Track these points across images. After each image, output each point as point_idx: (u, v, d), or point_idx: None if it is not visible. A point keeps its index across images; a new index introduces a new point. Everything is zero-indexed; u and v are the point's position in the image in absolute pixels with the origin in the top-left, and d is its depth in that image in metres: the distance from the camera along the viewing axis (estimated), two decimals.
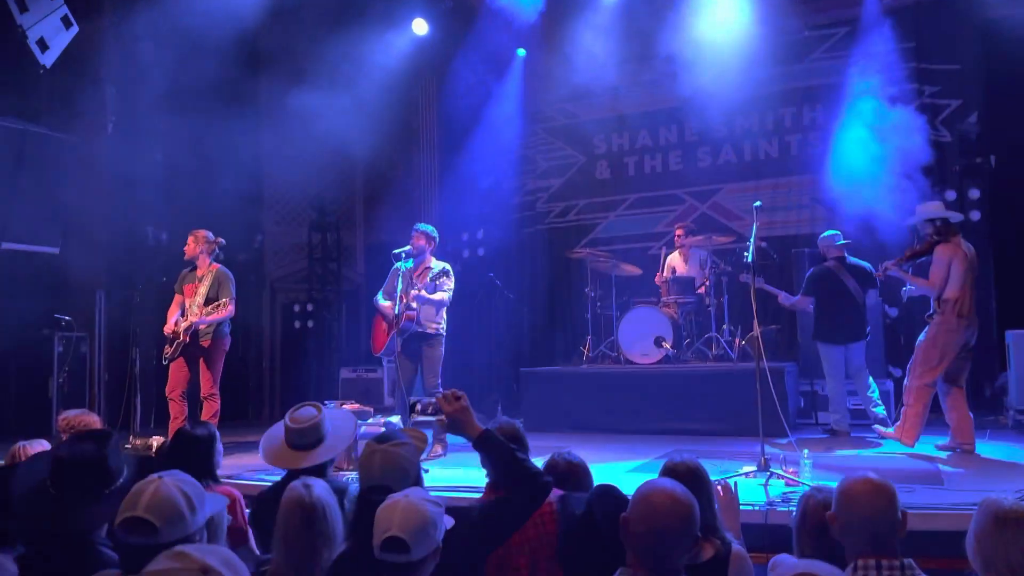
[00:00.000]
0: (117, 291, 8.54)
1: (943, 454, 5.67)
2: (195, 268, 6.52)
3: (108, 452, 2.43)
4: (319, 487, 2.49)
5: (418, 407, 2.93)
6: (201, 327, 6.28)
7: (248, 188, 9.56)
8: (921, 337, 5.82)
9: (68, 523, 2.30)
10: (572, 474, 3.09)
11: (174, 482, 1.98)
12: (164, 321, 6.50)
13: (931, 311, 5.78)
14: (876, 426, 6.11)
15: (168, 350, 6.33)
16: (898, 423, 5.88)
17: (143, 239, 8.96)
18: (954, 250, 5.74)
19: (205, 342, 6.32)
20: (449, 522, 2.24)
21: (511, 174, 10.44)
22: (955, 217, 6.05)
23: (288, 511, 2.42)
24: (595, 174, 10.05)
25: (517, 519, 2.55)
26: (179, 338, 6.25)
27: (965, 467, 5.16)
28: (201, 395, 6.36)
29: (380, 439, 2.55)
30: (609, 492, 2.62)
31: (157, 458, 3.60)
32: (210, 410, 6.30)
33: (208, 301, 6.27)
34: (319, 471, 3.19)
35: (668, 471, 2.76)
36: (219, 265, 6.53)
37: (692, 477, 2.60)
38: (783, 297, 6.95)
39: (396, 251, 6.29)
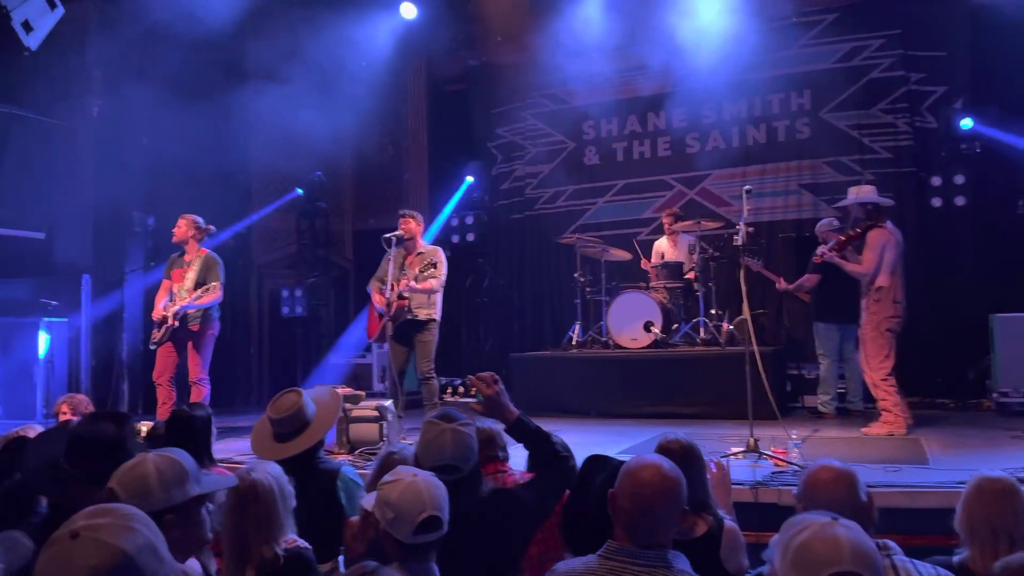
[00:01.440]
0: (103, 275, 8.48)
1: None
2: (184, 253, 6.49)
3: (126, 433, 2.43)
4: (261, 470, 2.50)
5: (450, 389, 2.94)
6: (190, 312, 6.25)
7: (235, 173, 9.52)
8: (861, 329, 5.83)
9: (80, 501, 2.29)
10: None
11: (155, 458, 1.97)
12: (151, 306, 6.47)
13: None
14: (863, 429, 6.09)
15: (156, 335, 6.31)
16: (878, 420, 5.85)
17: (129, 224, 8.89)
18: (887, 235, 5.79)
19: (194, 326, 6.30)
20: None
21: (500, 160, 10.43)
22: (886, 202, 6.11)
23: (229, 496, 2.43)
24: (584, 160, 10.06)
25: (552, 502, 2.59)
26: (167, 322, 6.22)
27: (949, 447, 5.25)
28: (190, 380, 6.35)
29: (445, 418, 2.50)
30: (601, 460, 2.64)
31: (151, 441, 3.59)
32: (199, 395, 6.28)
33: (197, 286, 6.25)
34: (309, 455, 3.19)
35: (662, 449, 2.78)
36: (208, 250, 6.51)
37: (685, 454, 2.63)
38: (783, 282, 6.97)
39: (386, 236, 6.28)
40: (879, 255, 5.72)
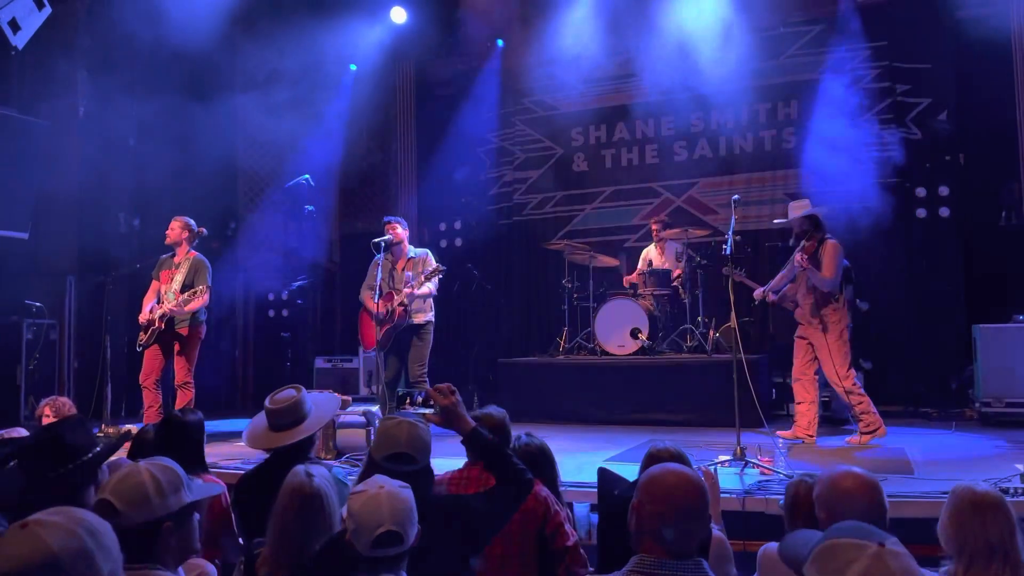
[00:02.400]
0: (88, 277, 8.40)
1: (784, 442, 5.80)
2: (174, 254, 6.45)
3: (63, 431, 2.40)
4: (320, 476, 2.47)
5: (408, 400, 2.92)
6: (178, 315, 6.21)
7: (222, 175, 9.47)
8: (823, 339, 5.83)
9: (35, 501, 2.26)
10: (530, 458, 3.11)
11: (148, 466, 1.96)
12: (137, 308, 6.42)
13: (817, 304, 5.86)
14: (849, 439, 6.13)
15: (143, 337, 6.26)
16: (860, 428, 5.86)
17: (115, 225, 8.83)
18: (839, 246, 5.89)
19: (182, 329, 6.27)
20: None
21: (489, 165, 10.44)
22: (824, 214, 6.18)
23: (288, 497, 2.38)
24: (573, 166, 10.08)
25: (505, 514, 2.59)
26: (154, 325, 6.18)
27: (934, 457, 5.29)
28: (175, 383, 6.32)
29: (398, 414, 2.55)
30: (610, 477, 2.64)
31: (140, 447, 3.55)
32: (184, 399, 6.26)
33: (184, 288, 6.22)
34: (301, 457, 3.18)
35: (652, 457, 2.79)
36: (196, 252, 6.47)
37: (675, 462, 2.63)
38: (761, 292, 6.96)
39: (375, 240, 6.30)
40: (838, 264, 5.79)
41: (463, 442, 2.64)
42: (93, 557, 1.38)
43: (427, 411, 2.69)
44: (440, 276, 6.24)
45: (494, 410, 3.11)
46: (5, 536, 1.36)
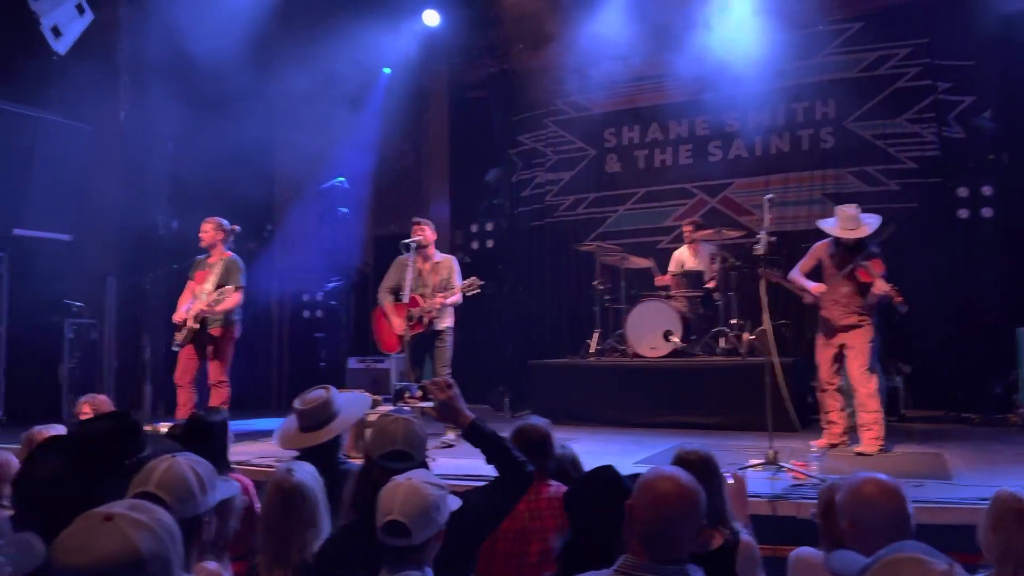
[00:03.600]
0: (128, 278, 8.57)
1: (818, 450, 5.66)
2: (209, 255, 6.53)
3: (130, 424, 2.44)
4: (302, 471, 2.51)
5: (407, 394, 2.93)
6: (210, 315, 6.28)
7: (258, 177, 9.59)
8: (857, 339, 5.67)
9: (90, 497, 2.29)
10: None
11: (187, 461, 1.98)
12: (174, 308, 6.53)
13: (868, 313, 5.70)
14: (856, 449, 5.96)
15: (178, 336, 6.35)
16: (866, 430, 5.61)
17: (154, 227, 8.99)
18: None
19: (215, 330, 6.33)
20: (455, 503, 2.24)
21: (521, 167, 10.43)
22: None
23: (269, 494, 2.44)
24: (605, 167, 10.03)
25: (504, 507, 2.59)
26: (188, 324, 6.26)
27: (974, 463, 5.15)
28: (209, 382, 6.39)
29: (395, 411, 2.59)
30: (606, 478, 2.61)
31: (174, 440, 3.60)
32: (219, 398, 6.33)
33: (217, 288, 6.27)
34: (330, 456, 3.20)
35: (680, 460, 2.75)
36: (231, 253, 6.55)
37: (703, 466, 2.60)
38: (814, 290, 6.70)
39: (405, 241, 6.33)
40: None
41: (462, 435, 2.63)
42: (171, 562, 1.39)
43: (425, 405, 2.69)
44: (476, 291, 6.27)
45: (537, 421, 3.08)
46: (90, 526, 1.35)
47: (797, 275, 6.06)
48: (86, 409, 4.75)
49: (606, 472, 2.49)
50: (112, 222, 8.60)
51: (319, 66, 8.97)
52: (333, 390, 3.32)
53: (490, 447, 2.60)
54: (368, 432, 5.35)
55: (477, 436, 2.60)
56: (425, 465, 2.54)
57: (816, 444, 5.84)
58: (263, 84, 9.94)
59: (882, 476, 2.21)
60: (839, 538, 2.38)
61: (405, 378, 6.70)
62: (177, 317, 6.38)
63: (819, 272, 5.99)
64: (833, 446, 5.75)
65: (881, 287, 5.56)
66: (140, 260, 8.53)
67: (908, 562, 1.37)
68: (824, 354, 5.91)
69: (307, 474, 2.55)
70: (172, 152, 9.14)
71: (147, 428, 6.34)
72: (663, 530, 1.90)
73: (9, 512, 2.36)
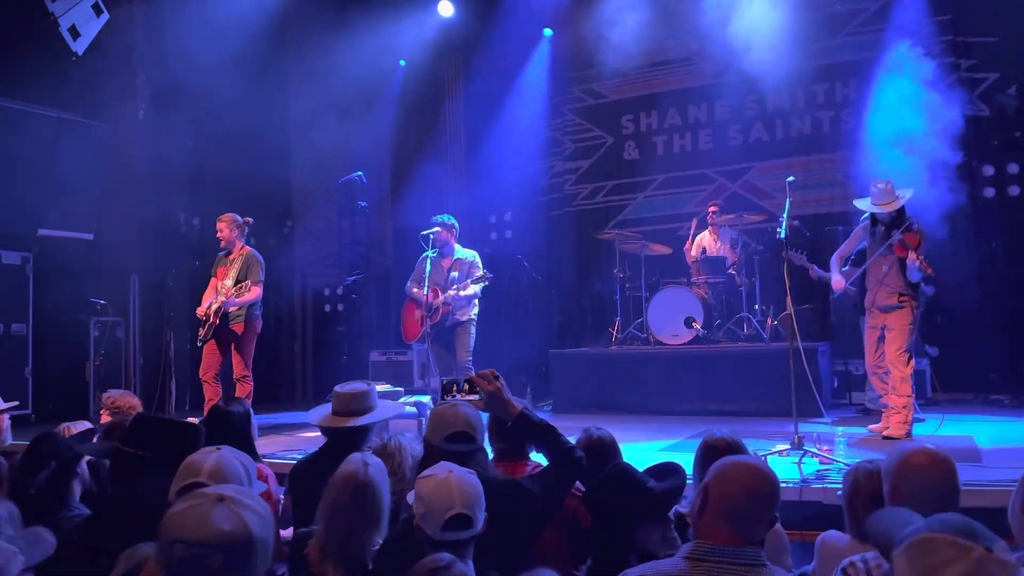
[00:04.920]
0: (150, 276, 8.66)
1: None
2: (230, 252, 6.58)
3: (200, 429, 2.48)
4: (376, 467, 2.46)
5: (455, 388, 2.91)
6: (231, 309, 6.33)
7: (277, 173, 9.64)
8: (896, 320, 5.56)
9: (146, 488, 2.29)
10: (596, 450, 3.10)
11: (231, 453, 2.02)
12: (197, 305, 6.59)
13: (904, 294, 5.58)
14: (871, 427, 5.85)
15: (201, 332, 6.41)
16: (895, 413, 5.53)
17: (175, 224, 9.08)
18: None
19: (236, 326, 6.37)
20: None
21: (538, 156, 10.38)
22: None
23: (340, 484, 2.38)
24: (623, 155, 9.96)
25: (560, 493, 2.58)
26: (210, 319, 6.31)
27: (1004, 445, 5.07)
28: (234, 377, 6.44)
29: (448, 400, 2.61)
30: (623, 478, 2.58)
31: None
32: (243, 392, 6.35)
33: (237, 283, 6.32)
34: (356, 448, 3.20)
35: (708, 446, 2.73)
36: (250, 248, 6.61)
37: (731, 451, 2.56)
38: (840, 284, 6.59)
39: (424, 232, 6.39)
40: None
41: (511, 426, 2.62)
42: (269, 546, 1.45)
43: (472, 398, 2.68)
44: (486, 283, 6.30)
45: (600, 432, 3.10)
46: (204, 504, 1.40)
47: (833, 261, 6.00)
48: (109, 404, 4.79)
49: (622, 469, 2.49)
50: (134, 220, 8.68)
51: (335, 60, 8.97)
52: (374, 386, 3.32)
53: (540, 435, 2.59)
54: (390, 424, 5.40)
55: (527, 426, 2.59)
56: (485, 451, 2.56)
57: (872, 428, 5.78)
58: (280, 79, 9.98)
59: (932, 447, 2.15)
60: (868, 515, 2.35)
61: (427, 372, 6.76)
62: (200, 312, 6.45)
63: (863, 255, 5.91)
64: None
65: (912, 257, 5.46)
66: (162, 257, 8.61)
67: (944, 543, 1.33)
68: (869, 337, 5.84)
69: (380, 470, 2.48)
70: (191, 150, 9.20)
71: None
72: (748, 507, 1.84)
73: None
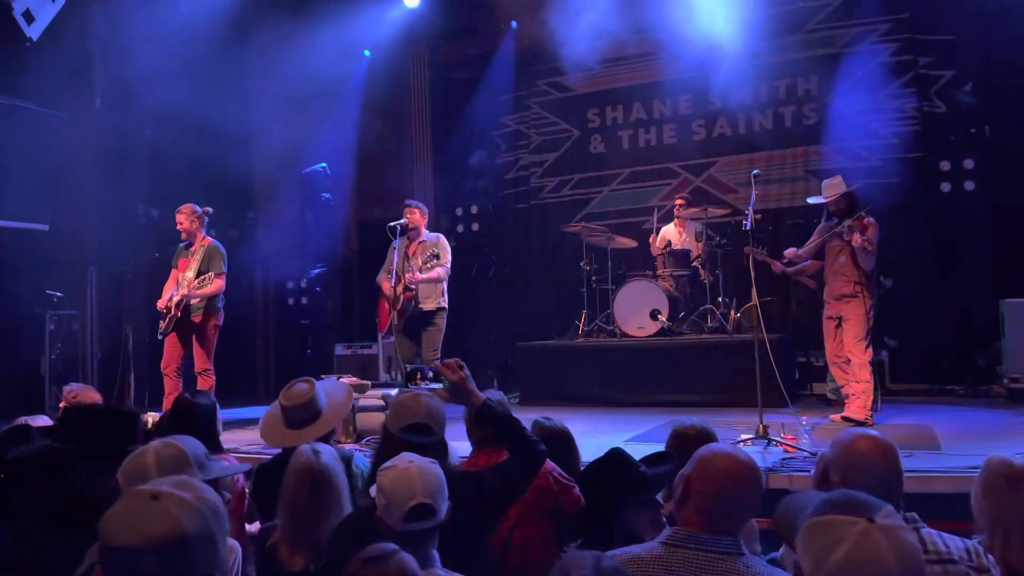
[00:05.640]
0: (108, 268, 8.46)
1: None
2: (192, 243, 6.48)
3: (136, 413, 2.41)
4: (327, 454, 2.48)
5: (419, 375, 2.90)
6: (193, 302, 6.23)
7: (239, 163, 9.47)
8: (851, 310, 5.72)
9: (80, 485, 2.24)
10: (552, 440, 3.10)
11: (156, 445, 1.95)
12: (157, 297, 6.48)
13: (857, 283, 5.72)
14: (833, 416, 5.99)
15: (162, 325, 6.31)
16: (856, 398, 5.69)
17: (134, 215, 8.88)
18: (877, 224, 5.79)
19: (196, 317, 6.27)
20: None
21: (505, 149, 10.38)
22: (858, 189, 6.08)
23: (296, 476, 2.40)
24: (589, 148, 10.00)
25: (519, 487, 2.57)
26: (171, 312, 6.21)
27: (961, 433, 5.21)
28: (195, 370, 6.35)
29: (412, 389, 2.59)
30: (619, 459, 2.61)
31: (158, 432, 3.57)
32: (204, 385, 6.27)
33: (198, 275, 6.23)
34: (323, 442, 3.17)
35: (679, 435, 2.76)
36: (211, 239, 6.50)
37: (702, 440, 2.59)
38: (779, 265, 6.74)
39: (391, 224, 6.31)
40: (876, 242, 5.72)
41: (474, 417, 2.62)
42: (216, 540, 1.39)
43: (436, 387, 2.67)
44: (436, 261, 6.16)
45: (547, 421, 3.10)
46: (136, 504, 1.35)
47: (788, 251, 6.15)
48: (71, 398, 4.70)
49: (619, 454, 2.50)
50: (91, 211, 8.48)
51: (299, 49, 8.86)
52: (317, 384, 3.27)
53: (502, 426, 2.59)
54: (360, 417, 5.35)
55: (489, 417, 2.59)
56: (445, 443, 2.52)
57: (834, 417, 5.90)
58: (242, 69, 9.82)
59: (875, 433, 2.21)
60: None
61: (392, 365, 6.69)
62: (160, 304, 6.33)
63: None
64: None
65: (857, 239, 5.61)
66: (121, 249, 8.41)
67: (829, 524, 1.38)
68: (828, 327, 6.00)
69: (332, 457, 2.52)
70: (151, 139, 9.01)
71: None
72: (726, 503, 1.86)
73: None
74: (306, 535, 2.36)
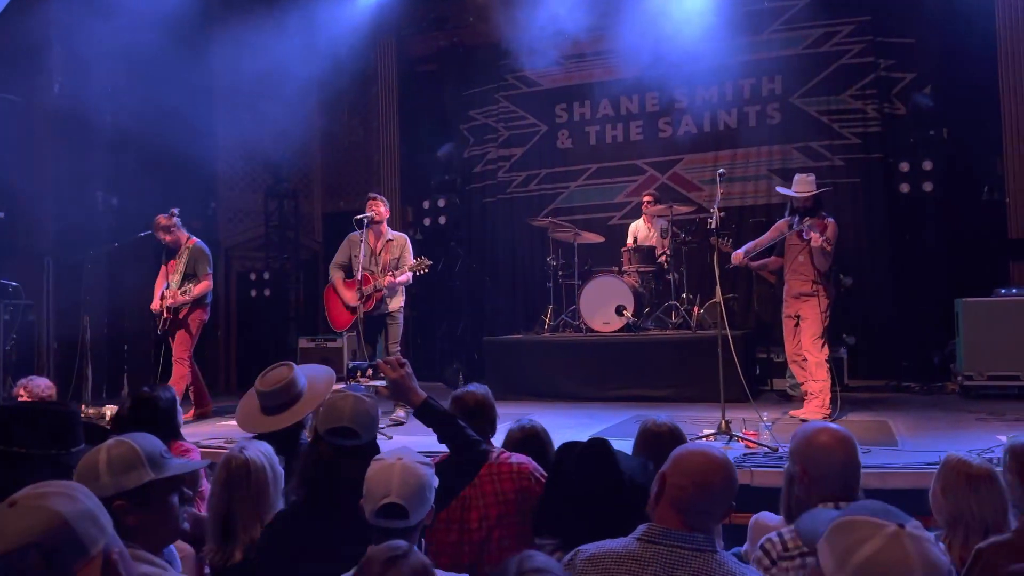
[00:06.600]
0: (66, 257, 8.27)
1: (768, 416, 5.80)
2: (178, 247, 6.72)
3: (65, 416, 2.34)
4: (253, 449, 2.48)
5: (359, 373, 2.89)
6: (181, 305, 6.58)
7: (201, 152, 9.31)
8: (809, 310, 5.79)
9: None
10: (530, 441, 3.11)
11: (109, 443, 1.91)
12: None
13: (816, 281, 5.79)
14: (790, 412, 6.11)
15: (158, 324, 6.67)
16: (813, 398, 5.80)
17: (93, 204, 8.69)
18: (836, 225, 5.87)
19: (182, 314, 6.61)
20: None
21: (472, 142, 10.35)
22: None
23: (216, 473, 2.42)
24: (557, 143, 10.01)
25: (458, 484, 2.56)
26: (164, 315, 6.56)
27: (917, 429, 5.33)
28: (172, 358, 6.64)
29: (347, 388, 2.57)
30: (569, 446, 2.61)
31: (115, 424, 3.52)
32: (177, 373, 6.57)
33: (184, 277, 6.56)
34: (294, 435, 3.14)
35: (649, 432, 2.78)
36: (196, 240, 6.72)
37: (670, 437, 2.62)
38: (740, 255, 6.76)
39: (358, 217, 6.24)
40: (834, 243, 5.81)
41: (415, 414, 2.61)
42: (97, 515, 1.39)
43: (379, 384, 2.65)
44: (425, 271, 6.24)
45: (476, 387, 3.07)
46: (2, 516, 1.33)
47: (748, 244, 6.21)
48: (21, 392, 4.61)
49: (601, 445, 2.50)
50: (48, 199, 8.28)
51: (263, 39, 8.72)
52: (296, 368, 3.23)
53: (442, 426, 2.57)
54: None
55: (429, 415, 2.58)
56: (375, 444, 2.49)
57: (793, 413, 5.98)
58: (205, 57, 9.64)
59: (835, 426, 2.28)
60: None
61: (357, 356, 6.64)
62: (154, 306, 6.64)
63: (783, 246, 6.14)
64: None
65: (815, 238, 5.68)
66: (79, 239, 8.23)
67: (860, 524, 1.40)
68: (787, 325, 6.08)
69: (258, 452, 2.53)
70: (110, 126, 8.82)
71: (91, 411, 6.25)
72: (701, 500, 1.88)
73: None
74: (224, 531, 2.41)
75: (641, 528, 1.91)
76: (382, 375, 2.65)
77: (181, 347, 6.56)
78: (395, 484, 2.02)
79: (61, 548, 1.31)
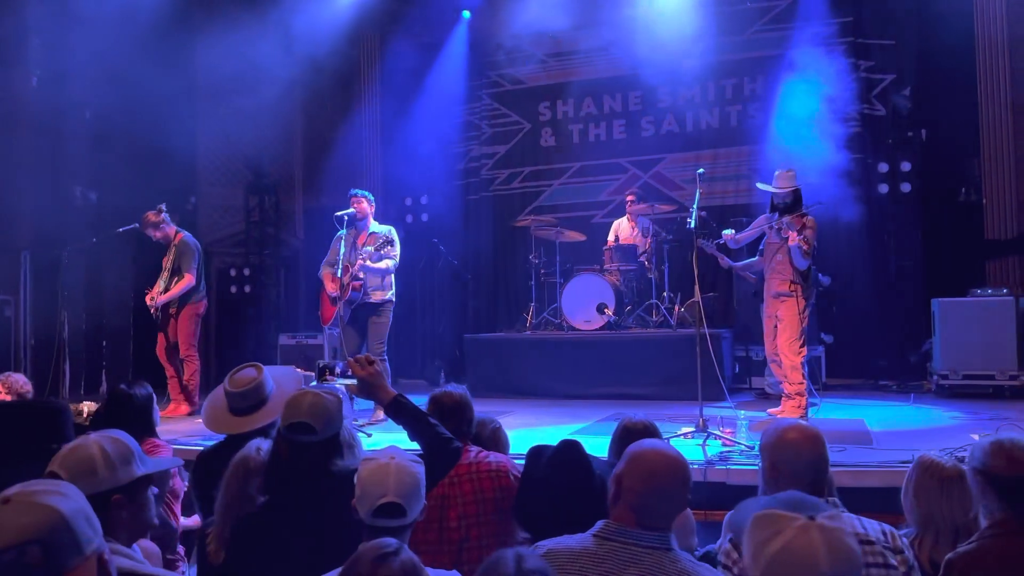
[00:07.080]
0: (43, 252, 8.19)
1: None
2: (169, 241, 6.83)
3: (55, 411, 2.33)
4: (269, 451, 2.46)
5: (328, 371, 2.87)
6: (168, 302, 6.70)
7: (181, 147, 9.24)
8: (787, 310, 5.76)
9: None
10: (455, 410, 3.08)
11: (98, 438, 1.91)
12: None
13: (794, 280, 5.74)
14: (769, 411, 6.13)
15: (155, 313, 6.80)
16: (790, 400, 5.82)
17: (71, 198, 8.61)
18: (815, 222, 5.85)
19: (172, 311, 6.74)
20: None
21: (456, 140, 10.33)
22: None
23: (232, 470, 2.39)
24: (540, 141, 10.03)
25: (429, 482, 2.56)
26: (154, 312, 6.71)
27: (893, 428, 5.39)
28: (179, 356, 6.75)
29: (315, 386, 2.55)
30: (539, 448, 2.63)
31: (94, 421, 3.49)
32: (188, 371, 6.71)
33: (172, 272, 6.66)
34: (263, 434, 3.13)
35: (626, 430, 2.80)
36: (183, 235, 6.81)
37: (648, 435, 2.64)
38: (726, 260, 6.85)
39: (338, 214, 6.21)
40: (814, 241, 5.81)
41: (385, 412, 2.60)
42: (89, 515, 1.39)
43: (349, 382, 2.64)
44: (389, 249, 6.09)
45: (454, 388, 3.06)
46: None
47: (726, 233, 6.24)
48: (1, 388, 4.57)
49: (573, 446, 2.51)
50: (26, 193, 8.18)
51: (246, 34, 8.66)
52: (265, 370, 3.21)
53: (413, 424, 2.56)
54: None
55: (400, 413, 2.57)
56: (335, 440, 2.45)
57: (771, 412, 6.02)
58: (186, 52, 9.57)
59: (804, 423, 2.32)
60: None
61: (339, 353, 6.62)
62: (147, 299, 6.73)
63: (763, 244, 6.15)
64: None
65: (794, 238, 5.68)
66: (57, 233, 8.15)
67: (771, 518, 1.43)
68: (767, 325, 6.08)
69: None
70: (89, 120, 8.73)
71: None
72: (655, 500, 1.90)
73: None
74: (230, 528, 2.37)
75: (598, 525, 1.94)
76: (351, 373, 2.64)
77: (183, 345, 6.69)
78: (392, 483, 2.03)
79: (60, 546, 1.31)
